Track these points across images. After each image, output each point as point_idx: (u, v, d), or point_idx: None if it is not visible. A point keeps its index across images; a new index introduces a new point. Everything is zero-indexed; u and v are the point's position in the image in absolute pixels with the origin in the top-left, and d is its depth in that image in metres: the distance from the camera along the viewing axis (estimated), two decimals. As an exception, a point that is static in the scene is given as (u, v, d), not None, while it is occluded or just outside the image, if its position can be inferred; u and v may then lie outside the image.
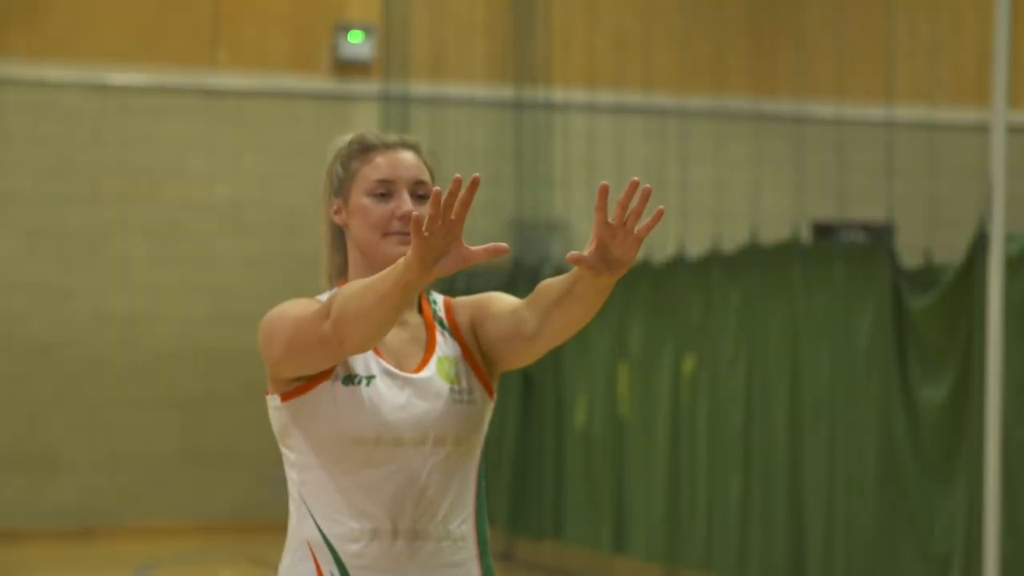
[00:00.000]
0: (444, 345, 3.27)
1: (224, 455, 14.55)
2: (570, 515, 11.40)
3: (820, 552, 8.83)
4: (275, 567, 3.28)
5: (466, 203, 2.86)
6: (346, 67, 15.07)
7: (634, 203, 2.95)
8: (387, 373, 3.21)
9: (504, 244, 2.90)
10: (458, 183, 2.85)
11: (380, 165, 3.29)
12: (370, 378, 3.19)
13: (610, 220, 2.95)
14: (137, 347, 14.52)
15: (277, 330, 3.15)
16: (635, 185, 2.92)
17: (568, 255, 2.95)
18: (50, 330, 14.33)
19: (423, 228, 2.86)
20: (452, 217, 2.86)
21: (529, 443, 12.14)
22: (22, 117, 14.36)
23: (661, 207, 2.95)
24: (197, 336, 14.63)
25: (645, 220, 2.96)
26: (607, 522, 10.91)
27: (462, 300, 3.36)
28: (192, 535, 14.29)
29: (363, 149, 3.32)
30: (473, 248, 2.92)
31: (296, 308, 3.16)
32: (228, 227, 14.79)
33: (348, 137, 3.38)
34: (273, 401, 3.25)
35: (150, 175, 14.62)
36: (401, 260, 2.94)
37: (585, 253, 2.96)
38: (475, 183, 2.85)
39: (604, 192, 2.92)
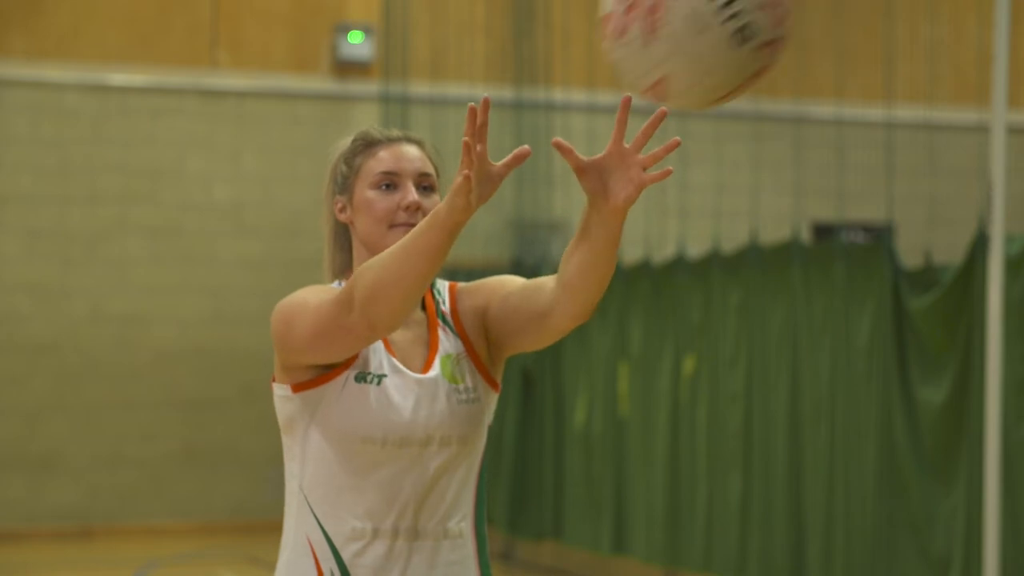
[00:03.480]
0: (446, 342, 3.24)
1: (224, 455, 14.55)
2: (570, 515, 11.40)
3: (820, 552, 8.83)
4: (274, 567, 3.27)
5: (485, 124, 2.85)
6: (346, 67, 15.07)
7: (658, 149, 2.95)
8: (396, 372, 3.18)
9: (527, 147, 2.88)
10: (474, 110, 2.85)
11: (384, 158, 3.28)
12: (381, 377, 3.16)
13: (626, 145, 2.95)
14: (137, 347, 14.52)
15: (298, 319, 3.10)
16: (676, 144, 2.92)
17: (554, 140, 2.93)
18: (50, 330, 14.33)
19: (468, 166, 2.86)
20: (479, 145, 2.86)
21: (529, 443, 12.14)
22: (22, 117, 14.35)
23: (670, 168, 2.94)
24: (197, 336, 14.63)
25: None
26: (607, 522, 10.91)
27: (468, 285, 3.32)
28: (192, 535, 14.29)
29: (367, 144, 3.31)
30: (500, 164, 2.91)
31: (316, 296, 3.11)
32: (228, 227, 14.79)
33: (351, 137, 3.37)
34: (282, 390, 3.20)
35: (150, 175, 14.62)
36: (433, 212, 2.93)
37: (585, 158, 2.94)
38: (486, 103, 2.85)
39: (626, 104, 2.90)
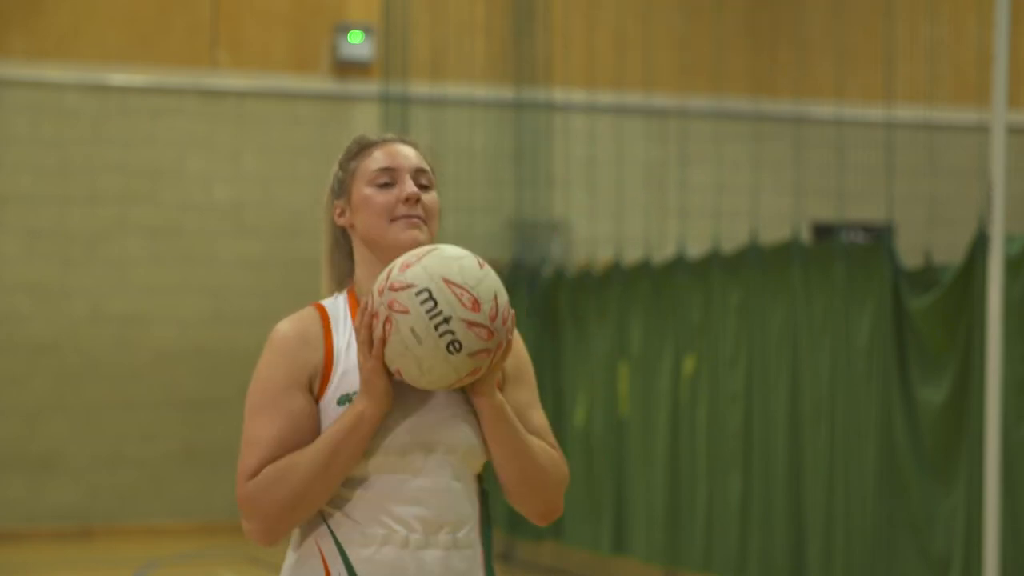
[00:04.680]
0: None
1: (224, 455, 14.55)
2: (570, 515, 11.40)
3: (820, 552, 8.83)
4: (274, 567, 3.27)
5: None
6: (346, 67, 15.07)
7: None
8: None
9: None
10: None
11: (380, 156, 3.26)
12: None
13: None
14: (136, 347, 14.52)
15: (244, 438, 3.17)
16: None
17: None
18: (50, 330, 14.33)
19: (367, 356, 3.05)
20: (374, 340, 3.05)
21: (529, 443, 12.11)
22: (22, 117, 14.36)
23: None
24: (197, 336, 14.63)
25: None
26: (607, 522, 10.91)
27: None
28: (192, 535, 14.29)
29: (362, 147, 3.29)
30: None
31: (253, 438, 3.15)
32: (228, 227, 14.79)
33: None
34: None
35: (150, 175, 14.63)
36: (339, 420, 3.08)
37: None
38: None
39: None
